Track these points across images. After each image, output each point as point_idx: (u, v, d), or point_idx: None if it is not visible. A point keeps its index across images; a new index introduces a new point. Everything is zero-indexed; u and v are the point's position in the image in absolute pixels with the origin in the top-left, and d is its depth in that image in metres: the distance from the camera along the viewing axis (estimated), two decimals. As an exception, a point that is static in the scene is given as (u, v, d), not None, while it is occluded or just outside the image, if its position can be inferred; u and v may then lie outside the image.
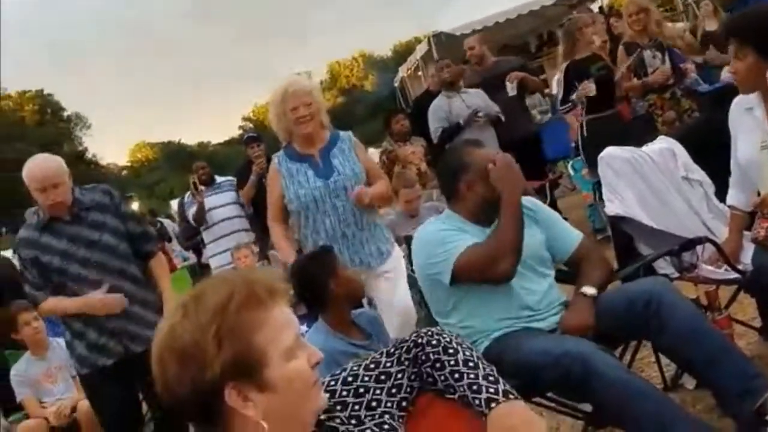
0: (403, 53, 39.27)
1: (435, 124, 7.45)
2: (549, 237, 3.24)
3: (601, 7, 13.57)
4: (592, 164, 3.86)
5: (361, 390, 1.70)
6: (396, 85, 18.24)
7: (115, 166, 66.28)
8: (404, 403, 1.73)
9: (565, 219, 3.65)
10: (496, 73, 7.93)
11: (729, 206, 3.61)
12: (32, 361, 5.48)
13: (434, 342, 1.73)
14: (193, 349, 1.38)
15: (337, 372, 1.75)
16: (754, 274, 3.25)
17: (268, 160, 7.22)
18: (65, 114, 57.45)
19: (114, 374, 4.07)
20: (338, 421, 1.64)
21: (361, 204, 4.09)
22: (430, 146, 7.72)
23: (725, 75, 6.58)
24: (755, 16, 3.24)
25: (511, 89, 7.71)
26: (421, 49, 14.70)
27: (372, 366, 1.74)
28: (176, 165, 50.11)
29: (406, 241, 4.72)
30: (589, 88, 6.25)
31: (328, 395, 1.62)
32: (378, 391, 1.71)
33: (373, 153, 7.88)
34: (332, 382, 1.71)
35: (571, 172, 7.43)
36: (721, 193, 3.77)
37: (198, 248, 8.56)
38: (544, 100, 11.27)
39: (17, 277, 4.35)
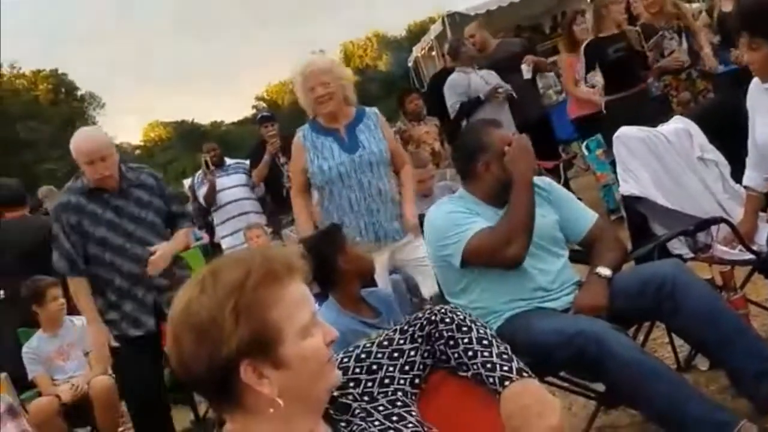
0: (417, 33, 39.07)
1: (453, 98, 7.42)
2: (563, 217, 3.23)
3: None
4: (611, 144, 3.86)
5: (374, 367, 1.70)
6: (410, 65, 18.17)
7: (128, 145, 66.27)
8: (417, 381, 1.73)
9: (579, 199, 3.64)
10: (499, 57, 7.95)
11: (745, 187, 3.59)
12: (44, 338, 5.44)
13: (448, 320, 1.73)
14: (210, 325, 1.37)
15: (351, 349, 1.75)
16: (770, 255, 3.24)
17: (282, 139, 7.25)
18: (79, 93, 57.44)
19: (143, 346, 4.15)
20: (351, 397, 1.64)
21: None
22: (445, 123, 7.71)
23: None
24: (762, 7, 3.20)
25: (527, 71, 7.71)
26: (435, 29, 14.62)
27: (385, 343, 1.74)
28: (189, 144, 50.07)
29: (419, 221, 4.72)
30: (594, 80, 6.28)
31: (341, 372, 1.62)
32: (391, 368, 1.71)
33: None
34: (345, 359, 1.71)
35: (586, 152, 7.38)
36: (737, 174, 3.74)
37: (211, 228, 8.58)
38: (558, 80, 11.21)
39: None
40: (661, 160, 3.88)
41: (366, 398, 1.66)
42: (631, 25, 6.83)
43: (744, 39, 3.18)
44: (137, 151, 64.98)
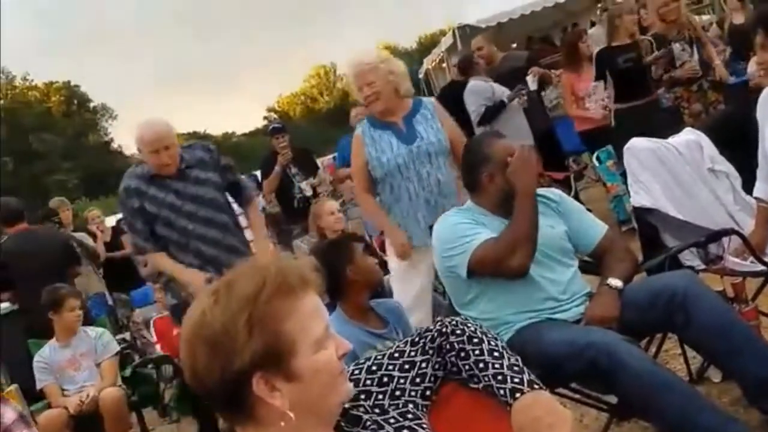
0: (427, 45, 39.13)
1: (479, 103, 7.34)
2: (573, 228, 3.23)
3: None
4: (622, 155, 3.87)
5: (385, 379, 1.71)
6: (420, 76, 18.24)
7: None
8: (428, 392, 1.74)
9: (589, 211, 3.64)
10: (505, 69, 7.98)
11: (756, 198, 3.57)
12: (57, 347, 5.40)
13: (459, 331, 1.74)
14: (224, 337, 1.37)
15: (362, 361, 1.75)
16: (781, 267, 3.23)
17: (293, 151, 7.28)
18: (91, 105, 57.76)
19: None
20: (362, 409, 1.64)
21: None
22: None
23: (752, 69, 6.51)
24: None
25: (533, 83, 7.72)
26: (446, 42, 14.70)
27: (396, 355, 1.75)
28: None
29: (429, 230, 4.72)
30: (597, 94, 6.33)
31: (352, 384, 1.62)
32: (402, 380, 1.71)
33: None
34: (356, 371, 1.72)
35: (596, 163, 7.37)
36: (748, 185, 3.73)
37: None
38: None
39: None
40: (672, 172, 3.87)
41: (377, 410, 1.66)
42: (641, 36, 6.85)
43: (759, 38, 3.17)
44: (149, 163, 65.07)
